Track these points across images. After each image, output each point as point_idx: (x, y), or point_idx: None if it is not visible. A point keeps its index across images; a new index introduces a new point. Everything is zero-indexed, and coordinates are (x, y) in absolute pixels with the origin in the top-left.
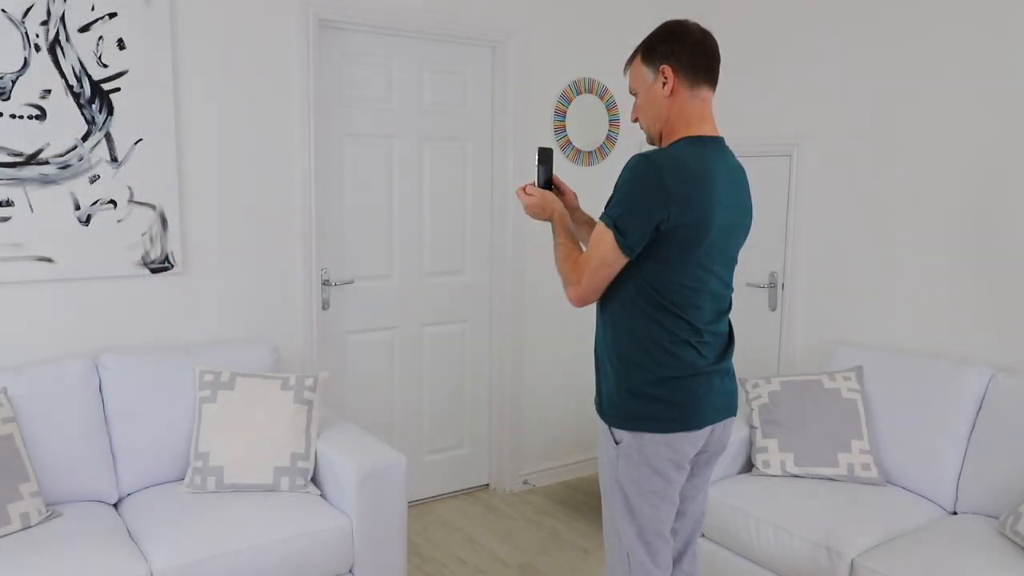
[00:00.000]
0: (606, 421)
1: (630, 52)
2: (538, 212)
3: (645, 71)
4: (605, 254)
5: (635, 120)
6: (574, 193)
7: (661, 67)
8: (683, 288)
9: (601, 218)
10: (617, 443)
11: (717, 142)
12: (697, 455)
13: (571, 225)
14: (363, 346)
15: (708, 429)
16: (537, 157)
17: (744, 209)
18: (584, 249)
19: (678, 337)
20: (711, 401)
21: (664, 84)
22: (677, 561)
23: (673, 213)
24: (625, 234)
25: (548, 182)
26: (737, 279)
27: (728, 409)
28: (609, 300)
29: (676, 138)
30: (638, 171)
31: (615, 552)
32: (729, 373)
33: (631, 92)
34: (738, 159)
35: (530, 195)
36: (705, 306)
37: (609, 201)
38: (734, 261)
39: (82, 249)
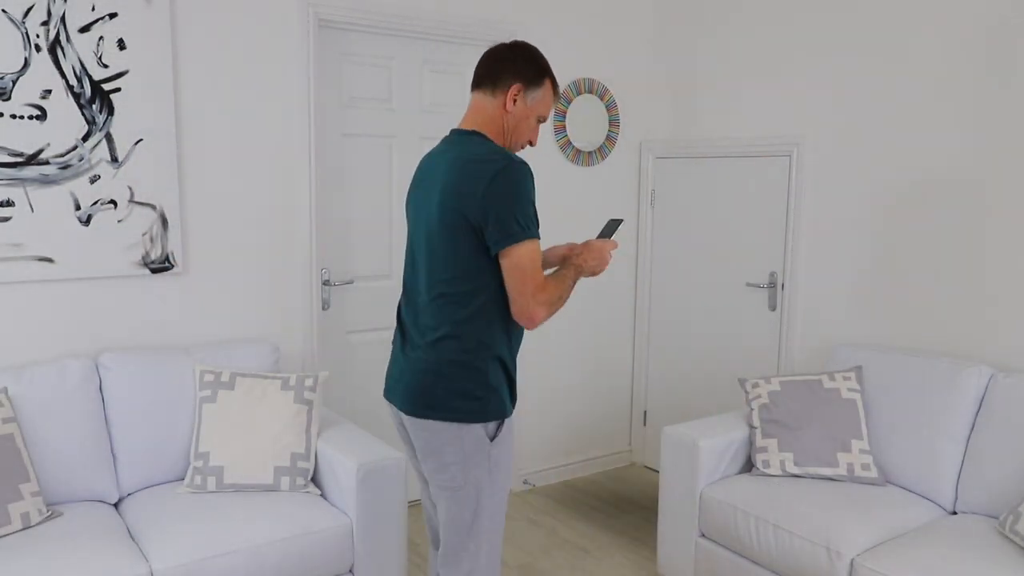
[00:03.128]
0: (463, 420)
1: (630, 52)
2: (601, 269)
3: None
4: (540, 269)
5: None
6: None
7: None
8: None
9: (516, 217)
10: (491, 438)
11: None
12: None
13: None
14: (363, 346)
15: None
16: (610, 224)
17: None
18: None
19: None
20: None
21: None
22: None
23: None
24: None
25: None
26: (737, 279)
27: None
28: (476, 301)
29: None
30: (528, 179)
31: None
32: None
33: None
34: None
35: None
36: None
37: (514, 199)
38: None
39: (82, 249)
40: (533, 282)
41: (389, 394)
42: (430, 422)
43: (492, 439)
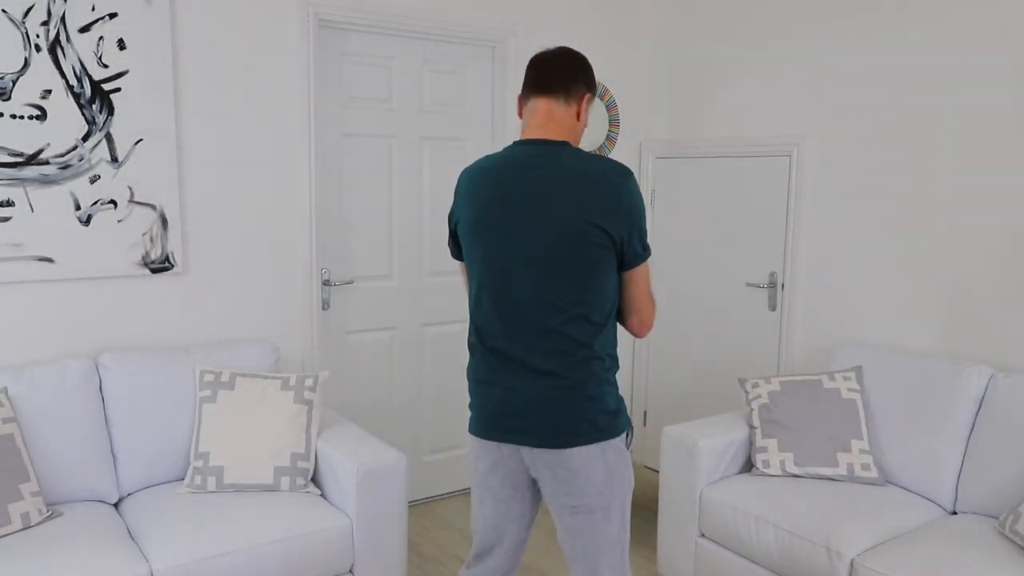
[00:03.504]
0: (607, 437)
1: (630, 52)
2: None
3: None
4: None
5: None
6: None
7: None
8: (474, 277)
9: (642, 252)
10: (625, 451)
11: (529, 144)
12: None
13: None
14: (363, 346)
15: None
16: None
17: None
18: None
19: (473, 321)
20: None
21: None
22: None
23: (456, 205)
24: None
25: None
26: (737, 279)
27: None
28: (605, 317)
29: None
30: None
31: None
32: None
33: None
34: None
35: None
36: None
37: (635, 229)
38: None
39: (82, 249)
40: (650, 293)
41: (505, 434)
42: (576, 450)
43: (628, 447)
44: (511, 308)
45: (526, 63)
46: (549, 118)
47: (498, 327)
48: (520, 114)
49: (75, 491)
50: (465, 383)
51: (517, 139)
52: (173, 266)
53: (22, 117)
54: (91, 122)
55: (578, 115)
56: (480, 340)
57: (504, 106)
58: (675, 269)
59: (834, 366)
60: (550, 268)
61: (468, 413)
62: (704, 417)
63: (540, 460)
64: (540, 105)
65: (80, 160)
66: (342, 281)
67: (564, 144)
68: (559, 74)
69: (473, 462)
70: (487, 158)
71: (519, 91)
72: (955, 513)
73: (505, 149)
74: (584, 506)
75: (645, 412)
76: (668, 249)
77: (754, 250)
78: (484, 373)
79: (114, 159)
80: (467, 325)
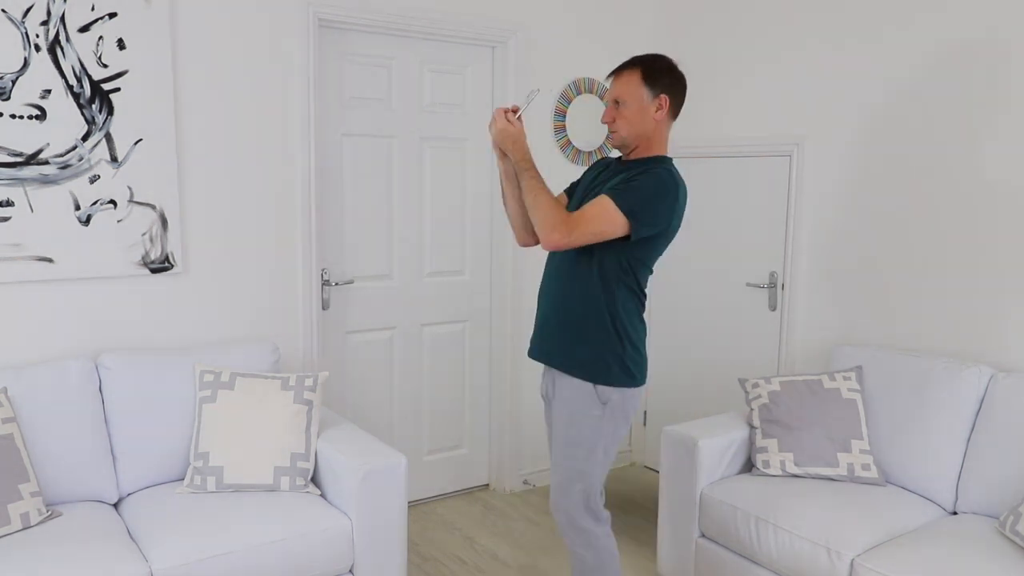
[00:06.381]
0: (592, 381)
1: (630, 52)
2: (509, 144)
3: (644, 91)
4: (612, 229)
5: (611, 122)
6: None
7: (661, 95)
8: (648, 273)
9: (612, 197)
10: (604, 403)
11: None
12: None
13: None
14: (363, 346)
15: None
16: (530, 94)
17: None
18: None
19: (642, 309)
20: None
21: (659, 109)
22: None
23: (673, 223)
24: (639, 225)
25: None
26: (737, 279)
27: None
28: (588, 268)
29: (651, 154)
30: (665, 183)
31: (578, 506)
32: None
33: (616, 99)
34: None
35: (511, 124)
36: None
37: (619, 188)
38: None
39: (82, 249)
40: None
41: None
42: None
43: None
44: None
45: (530, 62)
46: None
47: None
48: (660, 117)
49: (75, 491)
50: (464, 383)
51: (668, 156)
52: (173, 266)
53: (22, 117)
54: (91, 122)
55: None
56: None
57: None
58: (675, 269)
59: (834, 366)
60: None
61: (468, 413)
62: (704, 417)
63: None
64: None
65: (80, 160)
66: (342, 281)
67: None
68: None
69: (630, 414)
70: (681, 177)
71: (664, 93)
72: (955, 513)
73: (676, 168)
74: None
75: (645, 412)
76: (668, 249)
77: (754, 250)
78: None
79: (114, 159)
80: (467, 325)
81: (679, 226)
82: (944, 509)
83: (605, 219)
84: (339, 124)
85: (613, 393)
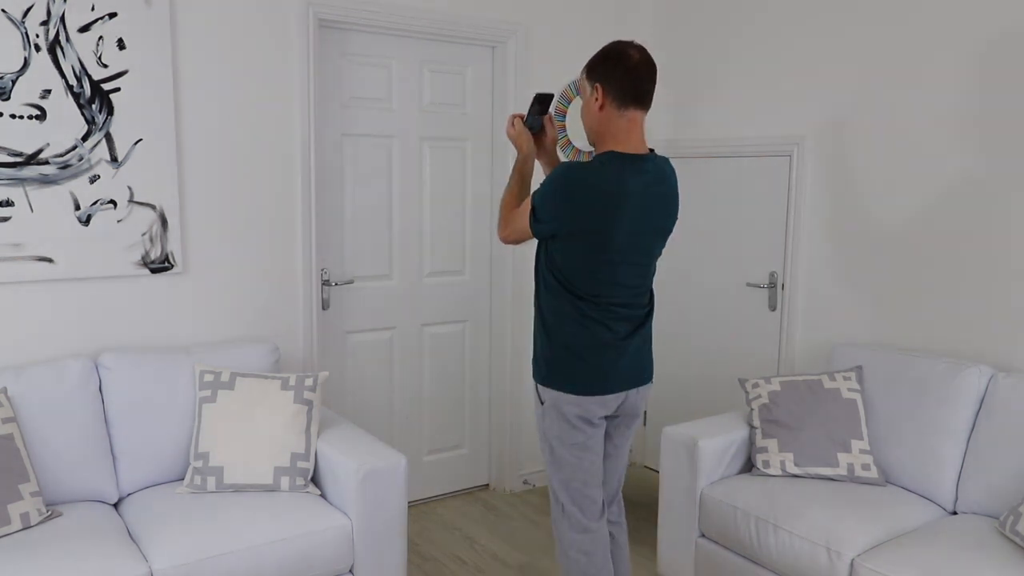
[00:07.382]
0: (534, 379)
1: None
2: (514, 142)
3: (587, 85)
4: (524, 225)
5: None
6: (555, 139)
7: (595, 84)
8: (592, 277)
9: (533, 194)
10: (542, 402)
11: (637, 159)
12: (611, 417)
13: (529, 172)
14: (363, 346)
15: (620, 395)
16: (534, 99)
17: (661, 215)
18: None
19: (587, 315)
20: (620, 371)
21: (596, 100)
22: (606, 507)
23: (577, 222)
24: (539, 222)
25: (538, 127)
26: (737, 279)
27: (639, 379)
28: (538, 279)
29: (604, 149)
30: (559, 181)
31: (555, 506)
32: (646, 343)
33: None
34: (669, 167)
35: (514, 127)
36: (617, 291)
37: (540, 186)
38: (650, 256)
39: (82, 249)
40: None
41: (624, 384)
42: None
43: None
44: (633, 287)
45: (530, 62)
46: (642, 132)
47: (624, 300)
48: (601, 108)
49: (75, 491)
50: (464, 383)
51: (618, 150)
52: (173, 266)
53: (22, 117)
54: (91, 122)
55: None
56: (608, 314)
57: (504, 106)
58: (675, 269)
59: (834, 366)
60: (652, 258)
61: (468, 413)
62: (704, 417)
63: (640, 395)
64: (637, 117)
65: (80, 160)
66: (342, 281)
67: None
68: (652, 88)
69: (570, 418)
70: (602, 172)
71: (598, 82)
72: (955, 513)
73: (614, 162)
74: (634, 429)
75: (645, 412)
76: (668, 249)
77: (754, 250)
78: (609, 339)
79: (114, 159)
80: (467, 325)
81: (613, 226)
82: (944, 509)
83: (523, 213)
84: (339, 124)
85: (546, 393)
